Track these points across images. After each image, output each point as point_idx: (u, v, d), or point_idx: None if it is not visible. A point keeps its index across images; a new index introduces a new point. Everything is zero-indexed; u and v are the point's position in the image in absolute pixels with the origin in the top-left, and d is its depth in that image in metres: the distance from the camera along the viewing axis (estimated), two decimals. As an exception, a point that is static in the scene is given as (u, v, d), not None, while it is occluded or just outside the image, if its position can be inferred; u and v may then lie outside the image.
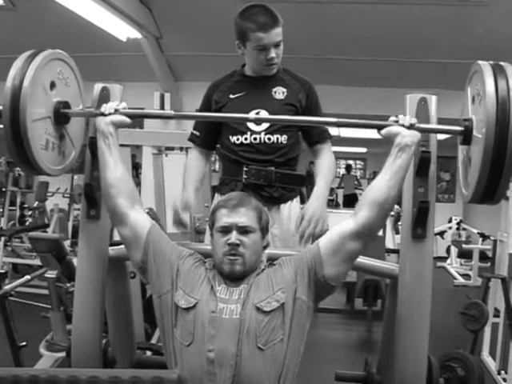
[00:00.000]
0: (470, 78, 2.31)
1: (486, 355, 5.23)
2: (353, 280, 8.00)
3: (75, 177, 12.25)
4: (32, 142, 2.24)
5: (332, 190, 15.01)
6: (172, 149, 5.56)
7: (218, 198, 2.86)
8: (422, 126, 2.27)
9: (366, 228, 2.15)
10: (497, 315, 5.14)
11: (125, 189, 2.28)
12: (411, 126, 2.21)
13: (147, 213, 4.52)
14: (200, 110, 2.92)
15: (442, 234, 11.11)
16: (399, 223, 8.18)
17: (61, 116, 2.43)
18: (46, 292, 4.45)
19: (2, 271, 5.66)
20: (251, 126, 2.75)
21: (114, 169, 2.29)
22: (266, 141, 2.75)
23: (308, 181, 3.03)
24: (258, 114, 2.74)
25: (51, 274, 4.21)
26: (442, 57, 7.46)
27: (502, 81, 2.04)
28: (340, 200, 15.95)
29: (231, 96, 2.80)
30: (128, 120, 2.40)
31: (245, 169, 2.75)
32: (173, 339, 2.11)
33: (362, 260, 2.56)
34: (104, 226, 2.58)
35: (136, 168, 8.82)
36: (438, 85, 6.13)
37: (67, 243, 7.38)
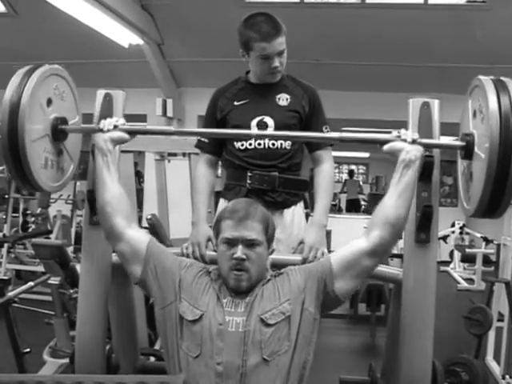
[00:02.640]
0: (470, 92, 2.30)
1: (490, 360, 5.21)
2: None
3: (78, 183, 12.26)
4: (31, 162, 2.23)
5: (335, 195, 15.04)
6: (175, 155, 5.57)
7: (223, 203, 2.86)
8: (424, 141, 2.25)
9: (379, 247, 2.13)
10: (501, 319, 5.13)
11: (121, 207, 2.24)
12: (414, 142, 2.20)
13: (150, 219, 4.57)
14: (206, 117, 2.90)
15: (445, 238, 11.11)
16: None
17: (59, 133, 2.41)
18: (49, 298, 4.44)
19: (5, 278, 5.65)
20: (255, 131, 2.74)
21: (111, 187, 2.25)
22: (270, 146, 2.75)
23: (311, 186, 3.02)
24: (262, 120, 2.75)
25: (54, 280, 4.21)
26: (442, 61, 7.48)
27: (505, 98, 2.03)
28: (343, 205, 15.94)
29: (235, 103, 2.80)
30: (127, 136, 2.38)
31: (249, 174, 2.75)
32: (178, 351, 2.09)
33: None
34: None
35: (138, 176, 8.83)
36: (438, 89, 6.13)
37: (70, 249, 7.39)
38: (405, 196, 2.13)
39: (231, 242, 2.11)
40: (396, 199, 2.13)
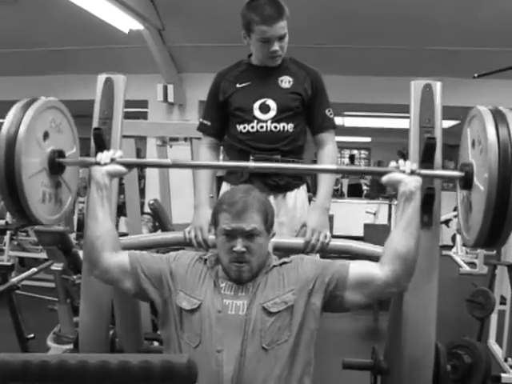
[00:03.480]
0: (468, 121, 2.30)
1: (492, 342, 5.23)
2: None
3: (80, 170, 12.25)
4: (29, 198, 2.21)
5: (337, 180, 15.04)
6: (176, 140, 5.56)
7: (225, 186, 2.87)
8: (423, 171, 2.24)
9: (392, 280, 2.09)
10: (503, 302, 5.14)
11: (110, 241, 2.21)
12: (412, 172, 2.19)
13: (152, 204, 4.57)
14: (208, 99, 2.90)
15: (447, 222, 11.09)
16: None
17: (56, 166, 2.38)
18: (52, 285, 4.47)
19: (9, 264, 5.66)
20: (258, 114, 2.75)
21: (103, 222, 2.23)
22: (273, 129, 2.74)
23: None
24: (264, 103, 2.75)
25: (57, 266, 4.23)
26: (446, 44, 7.43)
27: (504, 130, 2.03)
28: (345, 189, 15.95)
29: (238, 85, 2.80)
30: (124, 170, 2.36)
31: (251, 157, 2.74)
32: (179, 342, 2.08)
33: (367, 247, 2.56)
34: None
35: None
36: (441, 72, 6.10)
37: (73, 236, 7.39)
38: (411, 228, 2.12)
39: (230, 234, 2.08)
40: (402, 232, 2.11)
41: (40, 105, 2.30)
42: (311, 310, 2.09)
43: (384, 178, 2.23)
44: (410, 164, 2.22)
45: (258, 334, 2.00)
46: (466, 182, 2.21)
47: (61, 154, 2.40)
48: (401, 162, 2.23)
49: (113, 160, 2.32)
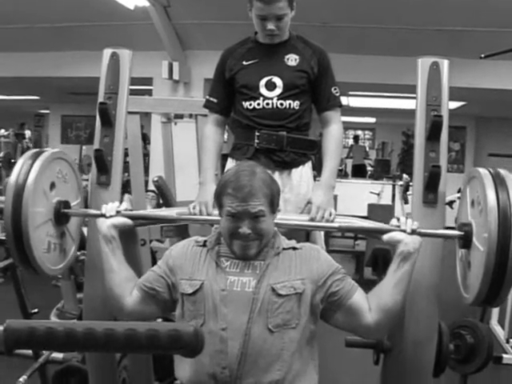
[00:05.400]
0: (468, 181, 2.30)
1: (494, 324, 5.26)
2: (362, 249, 8.04)
3: (84, 147, 12.26)
4: (35, 248, 2.23)
5: (341, 161, 15.03)
6: (181, 117, 5.54)
7: (230, 162, 2.87)
8: (424, 231, 2.23)
9: (374, 330, 2.12)
10: (506, 284, 5.15)
11: (128, 286, 2.21)
12: (413, 232, 2.18)
13: (156, 181, 4.56)
14: (214, 77, 2.90)
15: (451, 203, 11.07)
16: (408, 193, 8.17)
17: (62, 216, 2.41)
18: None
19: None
20: (264, 92, 2.75)
21: (119, 270, 2.24)
22: (279, 106, 2.74)
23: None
24: (270, 80, 2.75)
25: (61, 242, 4.23)
26: (452, 24, 7.38)
27: (503, 194, 2.05)
28: (349, 170, 15.93)
29: (244, 63, 2.80)
30: (130, 222, 2.37)
31: (257, 133, 2.74)
32: None
33: (371, 224, 2.55)
34: (114, 192, 2.58)
35: (144, 139, 8.80)
36: (447, 53, 6.06)
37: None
38: (401, 286, 2.12)
39: (235, 216, 2.07)
40: (392, 288, 2.11)
41: (48, 156, 2.32)
42: (314, 305, 2.09)
43: (385, 237, 2.23)
44: (411, 223, 2.21)
45: (265, 315, 1.98)
46: (465, 241, 2.23)
47: (66, 204, 2.43)
48: (402, 219, 2.23)
49: (118, 212, 2.34)
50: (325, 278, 2.09)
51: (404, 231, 2.19)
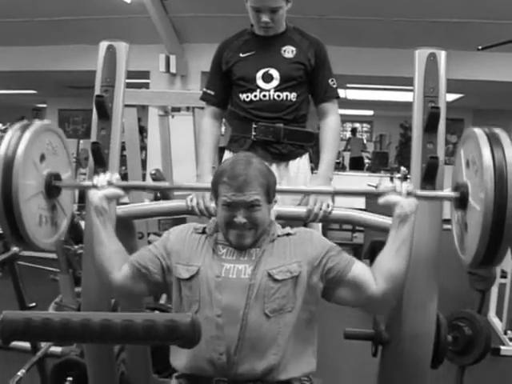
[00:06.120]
0: (463, 141, 2.28)
1: (492, 315, 5.28)
2: (360, 242, 8.06)
3: (81, 141, 12.23)
4: (26, 221, 2.17)
5: (339, 153, 15.03)
6: (178, 110, 5.53)
7: (227, 154, 2.86)
8: (419, 192, 2.23)
9: (381, 300, 2.09)
10: (504, 276, 5.18)
11: (118, 261, 2.19)
12: (409, 194, 2.17)
13: (153, 174, 4.56)
14: (211, 69, 2.89)
15: (449, 195, 11.07)
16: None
17: (52, 189, 2.35)
18: (54, 255, 4.47)
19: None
20: (260, 84, 2.75)
21: (109, 244, 2.21)
22: (276, 98, 2.74)
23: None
24: (267, 72, 2.75)
25: (59, 236, 4.22)
26: (448, 16, 7.37)
27: (499, 152, 2.02)
28: (346, 163, 15.95)
29: (241, 55, 2.80)
30: (121, 192, 2.32)
31: (254, 126, 2.75)
32: (181, 311, 2.09)
33: (368, 216, 2.55)
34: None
35: (141, 132, 8.79)
36: (444, 45, 6.06)
37: (74, 207, 7.40)
38: (403, 250, 2.12)
39: (231, 205, 2.06)
40: (395, 254, 2.11)
41: (37, 127, 2.26)
42: (312, 286, 2.08)
43: (380, 200, 2.21)
44: (406, 185, 2.20)
45: (262, 300, 1.99)
46: (461, 202, 2.21)
47: (57, 177, 2.38)
48: (397, 183, 2.21)
49: (110, 183, 2.29)
50: (320, 257, 2.09)
51: (400, 194, 2.18)
